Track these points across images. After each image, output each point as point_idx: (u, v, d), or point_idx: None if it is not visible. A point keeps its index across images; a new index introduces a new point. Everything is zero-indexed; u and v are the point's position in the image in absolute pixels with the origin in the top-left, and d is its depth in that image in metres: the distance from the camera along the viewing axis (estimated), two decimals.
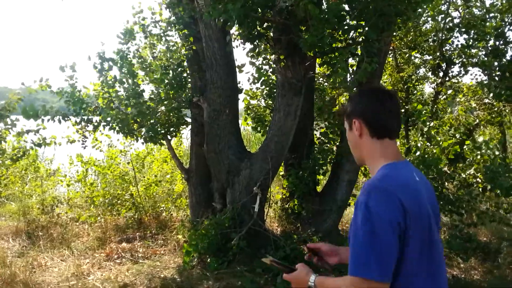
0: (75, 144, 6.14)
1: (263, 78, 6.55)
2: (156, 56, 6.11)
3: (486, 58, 6.23)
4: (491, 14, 6.51)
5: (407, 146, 6.68)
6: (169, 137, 6.23)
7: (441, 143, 6.09)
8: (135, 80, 5.63)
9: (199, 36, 5.78)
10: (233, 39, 5.88)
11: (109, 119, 5.70)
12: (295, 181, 6.35)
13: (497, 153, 6.01)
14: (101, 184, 7.78)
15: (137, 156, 8.33)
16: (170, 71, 5.90)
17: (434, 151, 5.92)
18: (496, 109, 7.54)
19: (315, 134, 7.12)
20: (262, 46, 6.12)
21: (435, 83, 8.31)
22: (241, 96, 6.67)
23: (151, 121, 5.65)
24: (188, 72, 6.13)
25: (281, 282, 4.55)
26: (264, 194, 5.60)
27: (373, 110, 1.76)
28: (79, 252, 5.90)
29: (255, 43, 5.28)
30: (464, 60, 7.28)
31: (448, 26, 7.43)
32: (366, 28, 4.30)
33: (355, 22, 4.36)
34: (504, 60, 6.13)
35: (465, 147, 6.88)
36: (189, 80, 6.16)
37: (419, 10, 6.00)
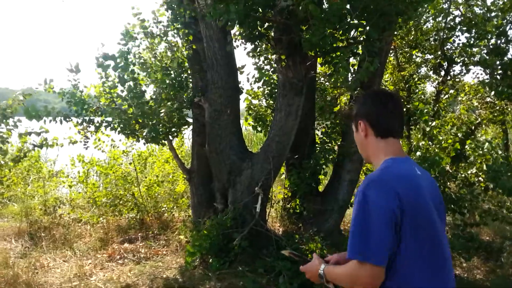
0: (78, 145, 6.15)
1: (264, 78, 6.54)
2: (157, 56, 6.11)
3: (487, 57, 6.21)
4: (493, 14, 6.49)
5: (409, 146, 6.66)
6: (170, 137, 6.23)
7: (442, 142, 6.08)
8: (136, 82, 5.63)
9: (200, 36, 5.78)
10: (234, 39, 5.89)
11: (110, 119, 5.71)
12: (296, 181, 6.35)
13: (499, 152, 5.99)
14: (103, 184, 7.79)
15: (139, 156, 8.33)
16: (171, 72, 5.90)
17: (436, 150, 5.91)
18: (498, 107, 7.51)
19: (317, 134, 7.12)
20: (263, 46, 6.12)
21: (437, 82, 8.29)
22: (242, 96, 6.67)
23: (153, 121, 5.65)
24: (189, 72, 6.13)
25: (283, 282, 4.55)
26: (265, 194, 5.60)
27: (376, 112, 1.89)
28: (82, 253, 5.91)
29: (256, 43, 5.27)
30: (466, 59, 7.27)
31: (449, 25, 7.41)
32: (367, 28, 4.29)
33: (356, 21, 4.36)
34: (506, 58, 6.11)
35: (467, 146, 6.86)
36: (190, 80, 6.16)
37: (420, 9, 6.00)
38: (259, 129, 7.05)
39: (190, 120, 6.35)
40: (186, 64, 6.13)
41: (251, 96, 7.27)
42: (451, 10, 7.59)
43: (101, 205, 7.15)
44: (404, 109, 7.56)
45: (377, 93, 2.05)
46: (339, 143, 6.70)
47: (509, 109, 7.39)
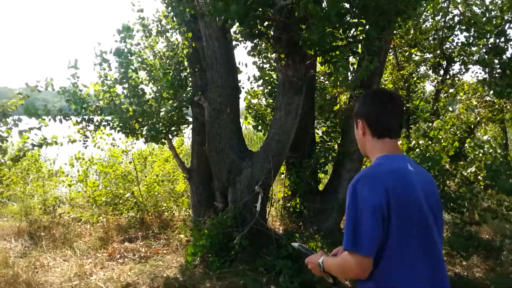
0: (77, 145, 6.15)
1: (264, 77, 6.56)
2: (157, 55, 6.10)
3: (486, 56, 6.22)
4: (492, 13, 6.49)
5: (409, 145, 6.67)
6: (170, 136, 6.23)
7: (442, 141, 6.09)
8: (134, 80, 5.62)
9: (199, 35, 5.79)
10: (233, 38, 5.88)
11: (109, 118, 5.71)
12: (296, 180, 6.35)
13: (498, 151, 6.00)
14: (103, 183, 7.79)
15: (140, 155, 8.34)
16: (171, 71, 5.90)
17: (435, 148, 5.92)
18: (497, 106, 7.52)
19: (316, 133, 7.12)
20: (263, 45, 6.12)
21: (436, 81, 8.30)
22: (242, 95, 6.67)
23: (153, 120, 5.65)
24: (188, 71, 6.13)
25: (283, 281, 4.56)
26: (265, 193, 5.60)
27: (375, 112, 1.94)
28: (82, 252, 5.91)
29: (255, 41, 5.27)
30: (465, 58, 7.27)
31: (448, 24, 7.42)
32: (367, 26, 4.29)
33: (355, 20, 4.36)
34: (505, 57, 6.11)
35: (466, 145, 6.88)
36: (190, 79, 6.17)
37: (419, 8, 6.00)
38: (259, 128, 7.05)
39: (190, 119, 6.35)
40: (186, 62, 6.13)
41: (250, 95, 7.27)
42: (450, 9, 7.60)
43: (101, 204, 7.15)
44: (404, 108, 7.60)
45: (377, 93, 2.09)
46: (339, 142, 6.70)
47: (508, 107, 7.39)
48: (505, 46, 6.09)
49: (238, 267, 5.07)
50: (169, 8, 5.82)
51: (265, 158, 5.51)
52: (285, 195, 7.00)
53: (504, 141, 8.43)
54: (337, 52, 4.67)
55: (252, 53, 6.10)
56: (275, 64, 5.73)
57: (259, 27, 4.78)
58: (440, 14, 7.58)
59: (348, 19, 4.23)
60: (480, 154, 6.08)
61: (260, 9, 4.47)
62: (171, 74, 5.83)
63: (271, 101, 7.02)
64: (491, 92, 6.37)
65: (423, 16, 7.91)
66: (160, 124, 5.76)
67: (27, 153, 5.71)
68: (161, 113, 5.65)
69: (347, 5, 4.21)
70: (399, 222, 1.70)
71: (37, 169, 8.79)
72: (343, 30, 4.43)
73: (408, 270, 1.73)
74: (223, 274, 4.96)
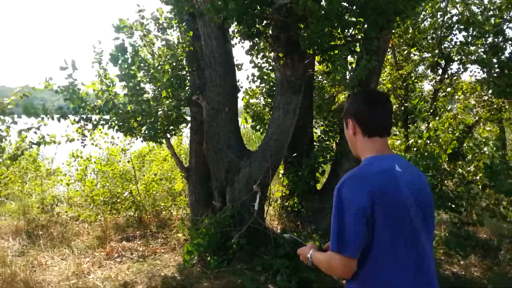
0: (75, 144, 6.14)
1: (263, 76, 6.55)
2: (155, 54, 6.09)
3: (485, 56, 6.23)
4: (490, 12, 6.50)
5: (407, 144, 6.67)
6: (168, 135, 6.22)
7: (440, 140, 6.09)
8: (136, 78, 5.61)
9: (198, 34, 5.78)
10: (232, 37, 5.88)
11: (107, 117, 5.70)
12: (294, 179, 6.36)
13: (495, 150, 6.00)
14: (101, 182, 7.78)
15: (139, 154, 8.34)
16: (169, 70, 5.89)
17: (434, 148, 5.92)
18: (495, 106, 7.53)
19: (315, 132, 7.12)
20: (261, 44, 6.11)
21: (434, 80, 8.30)
22: (240, 95, 6.67)
23: (151, 119, 5.64)
24: (187, 70, 6.12)
25: (281, 280, 4.56)
26: (263, 192, 5.60)
27: (364, 111, 1.96)
28: (79, 251, 5.91)
29: (254, 41, 5.27)
30: (463, 57, 7.27)
31: (447, 24, 7.42)
32: (365, 26, 4.29)
33: (354, 19, 4.36)
34: (503, 57, 6.12)
35: (464, 144, 6.88)
36: (188, 78, 6.16)
37: (418, 7, 6.00)
38: (257, 127, 7.06)
39: (188, 118, 6.35)
40: (184, 62, 6.12)
41: (249, 94, 7.27)
42: (448, 8, 7.60)
43: (99, 203, 7.15)
44: (402, 108, 7.60)
45: (367, 93, 2.11)
46: (337, 141, 6.71)
47: (507, 107, 7.39)
48: (504, 46, 6.11)
49: (236, 266, 5.07)
50: (168, 7, 5.82)
51: (263, 158, 5.50)
52: (283, 194, 7.00)
53: (502, 141, 8.44)
54: (336, 51, 4.67)
55: (250, 52, 6.10)
56: (274, 63, 5.73)
57: (257, 26, 4.77)
58: (439, 13, 7.58)
59: (347, 18, 4.23)
60: (480, 154, 6.08)
61: (258, 8, 4.47)
62: (170, 73, 5.83)
63: (269, 100, 7.02)
64: (490, 91, 6.38)
65: (422, 16, 7.91)
66: (159, 123, 5.76)
67: (25, 153, 5.70)
68: (160, 112, 5.64)
69: (346, 4, 4.21)
70: (384, 223, 1.72)
71: (35, 168, 8.78)
72: (342, 29, 4.43)
73: (394, 270, 1.75)
74: (221, 273, 4.96)
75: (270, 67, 6.67)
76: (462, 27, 6.86)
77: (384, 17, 4.21)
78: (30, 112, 5.03)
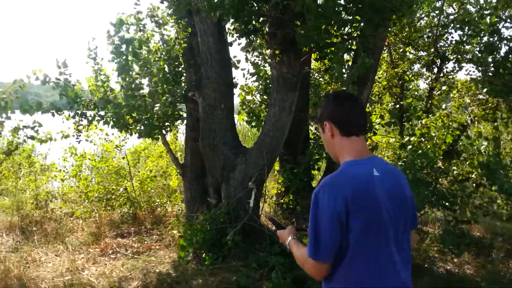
0: (70, 139, 6.12)
1: (259, 73, 6.55)
2: (151, 50, 6.07)
3: (480, 55, 6.25)
4: (486, 12, 6.52)
5: (402, 142, 6.69)
6: (164, 132, 6.21)
7: (434, 138, 6.11)
8: (131, 72, 5.59)
9: (194, 31, 5.76)
10: (228, 34, 5.86)
11: (102, 113, 5.68)
12: (290, 176, 6.36)
13: (493, 148, 6.04)
14: (96, 178, 7.76)
15: (135, 150, 8.31)
16: (166, 66, 5.87)
17: (428, 146, 5.94)
18: (490, 105, 7.55)
19: (311, 130, 7.12)
20: (258, 41, 6.10)
21: (430, 79, 8.32)
22: (236, 91, 6.66)
23: (147, 115, 5.62)
24: (183, 66, 6.10)
25: (276, 277, 4.56)
26: (259, 189, 5.60)
27: (340, 111, 2.00)
28: (74, 247, 5.88)
29: (250, 38, 5.26)
30: (458, 56, 7.29)
31: (442, 23, 7.44)
32: (362, 23, 4.30)
33: (350, 17, 4.36)
34: (498, 56, 6.15)
35: (459, 142, 6.91)
36: (184, 74, 6.14)
37: (414, 6, 6.00)
38: (253, 124, 7.05)
39: (184, 115, 6.33)
40: (181, 58, 6.10)
41: (245, 91, 7.26)
42: (444, 7, 7.62)
43: (94, 199, 7.12)
44: (398, 106, 7.63)
45: (338, 94, 2.14)
46: None
47: (502, 106, 7.42)
48: (499, 45, 6.13)
49: (231, 263, 5.07)
50: (165, 3, 5.80)
51: (259, 155, 5.50)
52: (279, 191, 7.00)
53: (496, 140, 8.47)
54: (333, 49, 4.67)
55: (246, 49, 6.09)
56: (270, 61, 5.73)
57: (254, 23, 4.77)
58: (435, 12, 7.59)
59: (343, 15, 4.24)
60: (475, 152, 6.12)
61: (255, 4, 4.46)
62: (166, 69, 5.81)
63: (265, 97, 7.01)
64: (484, 90, 6.40)
65: (418, 14, 7.92)
66: (154, 119, 5.74)
67: (20, 148, 5.67)
68: (156, 108, 5.61)
69: (342, 2, 4.21)
70: (358, 228, 1.76)
71: (30, 164, 8.73)
72: (338, 26, 4.43)
73: (367, 273, 1.80)
74: (215, 270, 4.95)
75: (266, 64, 6.66)
76: (457, 26, 6.88)
77: (380, 15, 4.21)
78: (25, 110, 5.00)
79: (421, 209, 5.55)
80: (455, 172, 6.07)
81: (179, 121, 6.41)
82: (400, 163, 5.38)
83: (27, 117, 5.18)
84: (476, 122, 7.74)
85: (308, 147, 6.56)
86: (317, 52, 5.08)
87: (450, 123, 7.35)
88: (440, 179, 5.86)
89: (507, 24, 6.61)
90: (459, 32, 6.87)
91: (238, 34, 5.27)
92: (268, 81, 6.74)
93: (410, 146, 5.92)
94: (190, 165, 6.25)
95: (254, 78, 6.88)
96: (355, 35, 4.73)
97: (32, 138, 5.42)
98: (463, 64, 7.39)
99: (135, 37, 5.62)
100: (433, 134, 6.54)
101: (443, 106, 8.09)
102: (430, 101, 7.96)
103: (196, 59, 5.91)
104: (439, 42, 7.65)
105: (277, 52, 5.09)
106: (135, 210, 7.10)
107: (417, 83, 8.98)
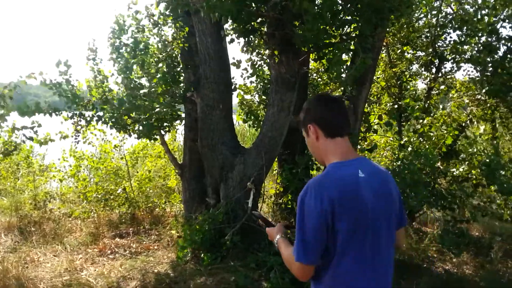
0: (68, 140, 6.11)
1: (257, 73, 6.54)
2: (150, 50, 6.06)
3: (478, 55, 6.25)
4: (484, 11, 6.52)
5: (401, 142, 6.69)
6: (162, 132, 6.21)
7: (433, 138, 6.11)
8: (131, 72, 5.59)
9: (193, 31, 5.76)
10: (226, 34, 5.86)
11: (101, 113, 5.67)
12: (288, 176, 6.35)
13: (492, 148, 6.04)
14: (94, 179, 7.75)
15: (133, 150, 8.31)
16: (164, 66, 5.86)
17: (427, 146, 5.94)
18: (488, 105, 7.55)
19: None
20: (256, 41, 6.10)
21: (428, 79, 8.32)
22: (235, 91, 6.65)
23: (146, 116, 5.61)
24: (181, 67, 6.10)
25: (274, 277, 4.56)
26: (257, 189, 5.60)
27: (323, 113, 2.01)
28: (72, 248, 5.88)
29: (249, 38, 5.26)
30: (457, 56, 7.29)
31: (441, 23, 7.44)
32: (360, 24, 4.30)
33: (349, 17, 4.36)
34: (497, 56, 6.15)
35: (458, 142, 6.91)
36: (183, 75, 6.14)
37: (412, 6, 6.01)
38: (249, 123, 7.04)
39: (183, 115, 6.33)
40: (179, 58, 6.10)
41: (243, 91, 7.26)
42: (442, 7, 7.62)
43: (92, 200, 7.12)
44: (396, 106, 7.62)
45: (319, 97, 2.18)
46: None
47: (501, 106, 7.41)
48: (497, 45, 6.13)
49: (230, 263, 5.07)
50: (163, 3, 5.78)
51: (258, 155, 5.50)
52: (277, 191, 7.00)
53: (495, 140, 8.47)
54: (331, 49, 4.67)
55: (245, 49, 6.09)
56: (268, 61, 5.72)
57: (252, 23, 4.77)
58: (433, 12, 7.60)
59: (342, 16, 4.24)
60: (474, 152, 6.12)
61: (253, 5, 4.46)
62: (165, 69, 5.80)
63: (264, 97, 7.01)
64: (483, 90, 6.41)
65: (416, 14, 7.92)
66: (153, 119, 5.73)
67: (19, 148, 5.66)
68: (157, 109, 5.61)
69: (340, 1, 4.21)
70: (345, 229, 1.76)
71: (28, 164, 8.73)
72: (337, 27, 4.43)
73: (355, 274, 1.81)
74: (214, 270, 4.96)
75: (265, 64, 6.66)
76: (456, 26, 6.88)
77: (378, 15, 4.22)
78: (24, 112, 5.00)
79: (420, 209, 5.56)
80: (454, 172, 6.07)
81: (177, 122, 6.40)
82: (398, 163, 5.38)
83: (25, 118, 5.18)
84: (475, 122, 7.74)
85: (306, 147, 6.54)
86: (315, 52, 5.08)
87: (452, 123, 7.35)
88: (439, 179, 5.86)
89: (505, 24, 6.61)
90: (458, 32, 6.87)
91: (236, 35, 5.28)
92: (266, 81, 6.74)
93: (410, 148, 5.92)
94: (188, 165, 6.25)
95: (253, 78, 6.88)
96: (353, 35, 4.73)
97: (31, 139, 5.42)
98: (462, 64, 7.40)
99: (134, 37, 5.61)
100: (431, 134, 6.54)
101: (441, 106, 8.09)
102: (428, 101, 7.96)
103: (195, 59, 5.90)
104: (437, 42, 7.65)
105: (276, 53, 5.09)
106: (133, 210, 7.10)
107: (416, 83, 8.98)
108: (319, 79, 7.75)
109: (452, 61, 7.56)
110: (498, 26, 6.37)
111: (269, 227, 2.29)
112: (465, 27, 6.61)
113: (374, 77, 7.43)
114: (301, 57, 5.20)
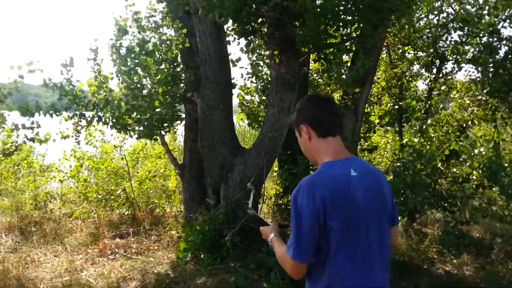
0: (69, 140, 6.10)
1: (257, 74, 6.54)
2: (150, 50, 6.05)
3: (479, 55, 6.24)
4: (485, 11, 6.51)
5: (401, 143, 6.68)
6: (163, 132, 6.20)
7: (434, 139, 6.09)
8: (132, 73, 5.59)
9: (193, 31, 5.76)
10: (227, 34, 5.86)
11: (101, 114, 5.67)
12: (288, 177, 6.34)
13: (494, 149, 6.02)
14: (95, 179, 7.75)
15: (133, 151, 8.31)
16: (164, 66, 5.86)
17: (428, 147, 5.93)
18: (490, 105, 7.53)
19: None
20: (256, 42, 6.10)
21: (429, 79, 8.30)
22: (235, 91, 6.65)
23: (147, 116, 5.61)
24: (182, 67, 6.10)
25: (274, 278, 4.56)
26: (257, 190, 5.59)
27: (315, 113, 2.03)
28: (72, 248, 5.88)
29: (249, 38, 5.25)
30: (458, 56, 7.27)
31: (442, 23, 7.42)
32: (361, 24, 4.29)
33: (350, 17, 4.36)
34: (498, 56, 6.14)
35: (459, 143, 6.89)
36: (183, 75, 6.13)
37: (413, 6, 5.99)
38: (247, 121, 7.03)
39: (183, 116, 6.32)
40: (179, 58, 6.09)
41: (244, 91, 7.25)
42: (443, 8, 7.60)
43: (92, 200, 7.12)
44: (397, 106, 7.61)
45: (311, 98, 2.18)
46: None
47: (502, 107, 7.39)
48: (499, 45, 6.12)
49: (230, 263, 5.07)
50: (163, 4, 5.78)
51: (258, 155, 5.50)
52: (277, 192, 6.99)
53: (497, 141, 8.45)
54: (332, 50, 4.67)
55: (245, 50, 6.09)
56: (268, 61, 5.72)
57: (252, 23, 4.76)
58: (434, 12, 7.58)
59: (342, 16, 4.23)
60: (475, 154, 6.10)
61: (254, 5, 4.46)
62: (164, 69, 5.80)
63: (264, 98, 7.00)
64: (484, 91, 6.39)
65: (417, 15, 7.90)
66: (153, 120, 5.73)
67: (19, 148, 5.66)
68: (158, 109, 5.60)
69: (341, 2, 4.21)
70: (337, 228, 1.78)
71: (29, 165, 8.73)
72: (338, 27, 4.43)
73: (348, 273, 1.82)
74: (214, 270, 4.95)
75: (265, 65, 6.65)
76: (457, 26, 6.87)
77: (379, 15, 4.21)
78: (25, 111, 5.01)
79: (421, 210, 5.54)
80: (455, 173, 6.05)
81: (178, 122, 6.40)
82: (399, 164, 5.37)
83: (26, 118, 5.18)
84: (476, 123, 7.72)
85: None
86: (315, 53, 5.08)
87: (455, 123, 7.34)
88: (439, 180, 5.85)
89: (506, 24, 6.60)
90: (459, 32, 6.86)
91: (236, 35, 5.27)
92: (266, 82, 6.73)
93: (411, 150, 5.90)
94: (188, 165, 6.24)
95: (253, 78, 6.87)
96: (354, 35, 4.72)
97: (32, 140, 5.42)
98: (463, 65, 7.38)
99: (139, 38, 5.60)
100: (432, 135, 6.53)
101: (441, 107, 8.08)
102: (429, 102, 7.94)
103: (195, 59, 5.90)
104: (438, 42, 7.63)
105: (276, 53, 5.09)
106: (133, 210, 7.09)
107: (416, 83, 8.96)
108: (320, 80, 7.74)
109: (453, 61, 7.55)
110: (499, 26, 6.36)
111: (263, 226, 2.30)
112: (466, 28, 6.59)
113: (375, 78, 7.42)
114: (301, 57, 5.19)
